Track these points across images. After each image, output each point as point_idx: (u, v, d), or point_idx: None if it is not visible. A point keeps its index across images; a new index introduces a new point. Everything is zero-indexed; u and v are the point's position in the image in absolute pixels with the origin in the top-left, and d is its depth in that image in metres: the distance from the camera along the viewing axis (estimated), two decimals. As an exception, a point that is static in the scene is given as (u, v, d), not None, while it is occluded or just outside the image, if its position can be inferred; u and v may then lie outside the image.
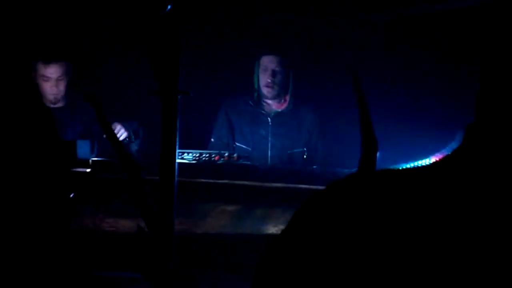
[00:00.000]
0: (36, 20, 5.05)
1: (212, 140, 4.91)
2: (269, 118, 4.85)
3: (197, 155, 4.26)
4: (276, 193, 3.87)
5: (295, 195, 3.84)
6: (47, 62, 4.76)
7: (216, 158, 4.28)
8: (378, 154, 4.54)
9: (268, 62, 4.80)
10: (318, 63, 5.39)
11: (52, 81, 4.78)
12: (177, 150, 2.72)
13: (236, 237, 3.74)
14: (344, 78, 3.31)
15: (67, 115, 4.82)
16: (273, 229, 3.84)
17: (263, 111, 4.87)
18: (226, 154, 4.34)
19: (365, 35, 5.24)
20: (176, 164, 2.73)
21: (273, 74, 4.79)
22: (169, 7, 2.54)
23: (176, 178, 2.78)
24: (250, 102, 4.86)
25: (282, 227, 4.06)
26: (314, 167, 4.49)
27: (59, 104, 4.85)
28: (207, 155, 4.28)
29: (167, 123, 2.57)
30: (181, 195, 2.87)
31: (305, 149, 4.80)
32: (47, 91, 4.77)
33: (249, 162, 4.37)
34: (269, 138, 4.81)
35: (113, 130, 3.43)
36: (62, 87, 4.82)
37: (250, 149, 4.80)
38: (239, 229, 3.77)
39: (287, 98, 4.86)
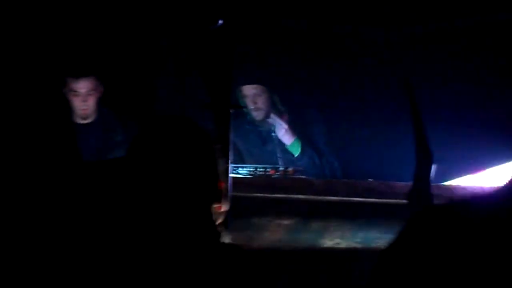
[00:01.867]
0: (67, 34, 5.09)
1: None
2: (272, 134, 4.87)
3: (252, 169, 4.28)
4: (331, 207, 3.86)
5: (350, 208, 3.84)
6: (77, 76, 4.77)
7: (272, 172, 4.30)
8: (433, 166, 4.51)
9: (246, 90, 4.91)
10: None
11: (81, 96, 4.79)
12: (231, 164, 2.74)
13: (293, 251, 3.74)
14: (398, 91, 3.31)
15: (95, 131, 4.82)
16: (329, 242, 3.84)
17: (265, 128, 4.91)
18: (281, 169, 4.36)
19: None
20: (230, 179, 2.75)
21: (254, 98, 4.89)
22: (220, 22, 2.56)
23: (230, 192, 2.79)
24: (250, 122, 4.92)
25: (338, 240, 4.05)
26: (370, 180, 4.48)
27: (89, 120, 4.85)
28: (262, 169, 4.30)
29: (221, 136, 2.59)
30: (236, 209, 2.88)
31: (311, 159, 4.81)
32: (77, 106, 4.80)
33: (304, 176, 4.37)
34: (277, 154, 4.81)
35: None
36: (91, 102, 4.81)
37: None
38: (295, 242, 3.78)
39: (283, 113, 4.92)
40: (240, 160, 4.87)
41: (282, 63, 5.27)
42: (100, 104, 4.87)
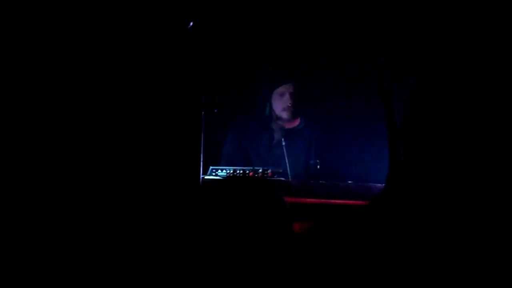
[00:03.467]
0: None
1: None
2: (282, 138, 4.89)
3: (231, 171, 4.27)
4: (310, 209, 3.85)
5: (329, 210, 3.83)
6: None
7: (250, 174, 4.28)
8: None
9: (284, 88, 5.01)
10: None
11: None
12: (201, 166, 2.73)
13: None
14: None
15: None
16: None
17: (275, 132, 4.96)
18: (260, 170, 4.34)
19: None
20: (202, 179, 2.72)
21: (291, 97, 4.99)
22: (191, 23, 2.55)
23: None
24: (259, 125, 4.97)
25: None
26: (349, 182, 4.47)
27: None
28: (241, 171, 4.28)
29: (193, 137, 2.56)
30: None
31: (317, 160, 4.84)
32: None
33: (283, 178, 4.36)
34: (285, 157, 4.83)
35: None
36: None
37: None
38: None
39: (297, 116, 4.98)
40: (247, 161, 4.89)
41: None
42: None
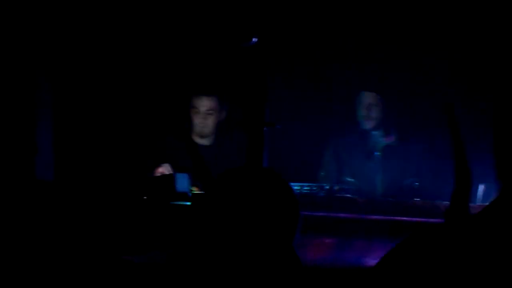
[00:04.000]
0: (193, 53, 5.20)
1: (322, 174, 4.96)
2: (376, 152, 4.87)
3: (298, 187, 4.28)
4: (375, 225, 3.85)
5: (394, 227, 3.82)
6: (198, 94, 4.81)
7: (317, 190, 4.30)
8: (482, 186, 4.45)
9: (364, 97, 4.96)
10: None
11: (201, 114, 4.80)
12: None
13: (335, 270, 3.73)
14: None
15: (209, 154, 4.75)
16: (373, 262, 3.81)
17: (371, 145, 4.93)
18: (327, 187, 4.35)
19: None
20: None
21: (369, 107, 4.91)
22: (254, 40, 2.57)
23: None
24: (357, 137, 4.94)
25: (381, 259, 3.99)
26: (416, 199, 4.44)
27: (205, 141, 4.87)
28: (308, 187, 4.30)
29: (253, 154, 2.59)
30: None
31: (415, 180, 4.77)
32: (196, 124, 4.83)
33: (349, 195, 4.36)
34: (379, 171, 4.81)
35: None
36: (210, 122, 4.84)
37: (357, 182, 4.80)
38: (338, 261, 3.77)
39: (391, 131, 4.93)
40: (338, 170, 4.90)
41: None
42: (223, 128, 4.90)
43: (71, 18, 4.84)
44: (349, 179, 4.84)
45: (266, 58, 2.64)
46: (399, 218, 3.91)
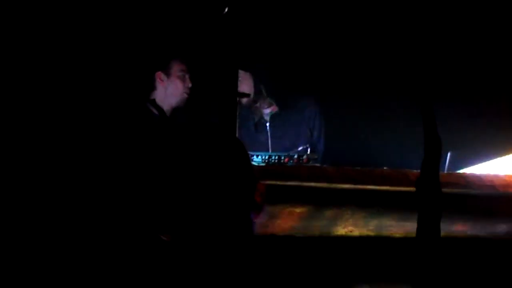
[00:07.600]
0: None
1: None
2: (267, 124, 4.88)
3: (266, 157, 4.29)
4: (344, 194, 3.85)
5: (364, 196, 3.83)
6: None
7: (286, 160, 4.30)
8: (449, 154, 4.48)
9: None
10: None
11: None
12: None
13: (305, 238, 3.74)
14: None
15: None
16: (342, 230, 3.83)
17: (259, 117, 4.95)
18: (296, 156, 4.35)
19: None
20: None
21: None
22: (226, 9, 2.56)
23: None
24: (245, 111, 4.97)
25: (351, 228, 4.05)
26: (385, 168, 4.46)
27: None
28: (276, 157, 4.30)
29: (228, 124, 2.59)
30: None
31: (307, 146, 4.81)
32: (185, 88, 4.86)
33: (318, 164, 4.37)
34: (269, 143, 4.83)
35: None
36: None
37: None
38: (308, 230, 3.78)
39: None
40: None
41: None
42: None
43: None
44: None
45: (237, 27, 2.63)
46: (368, 186, 3.92)
